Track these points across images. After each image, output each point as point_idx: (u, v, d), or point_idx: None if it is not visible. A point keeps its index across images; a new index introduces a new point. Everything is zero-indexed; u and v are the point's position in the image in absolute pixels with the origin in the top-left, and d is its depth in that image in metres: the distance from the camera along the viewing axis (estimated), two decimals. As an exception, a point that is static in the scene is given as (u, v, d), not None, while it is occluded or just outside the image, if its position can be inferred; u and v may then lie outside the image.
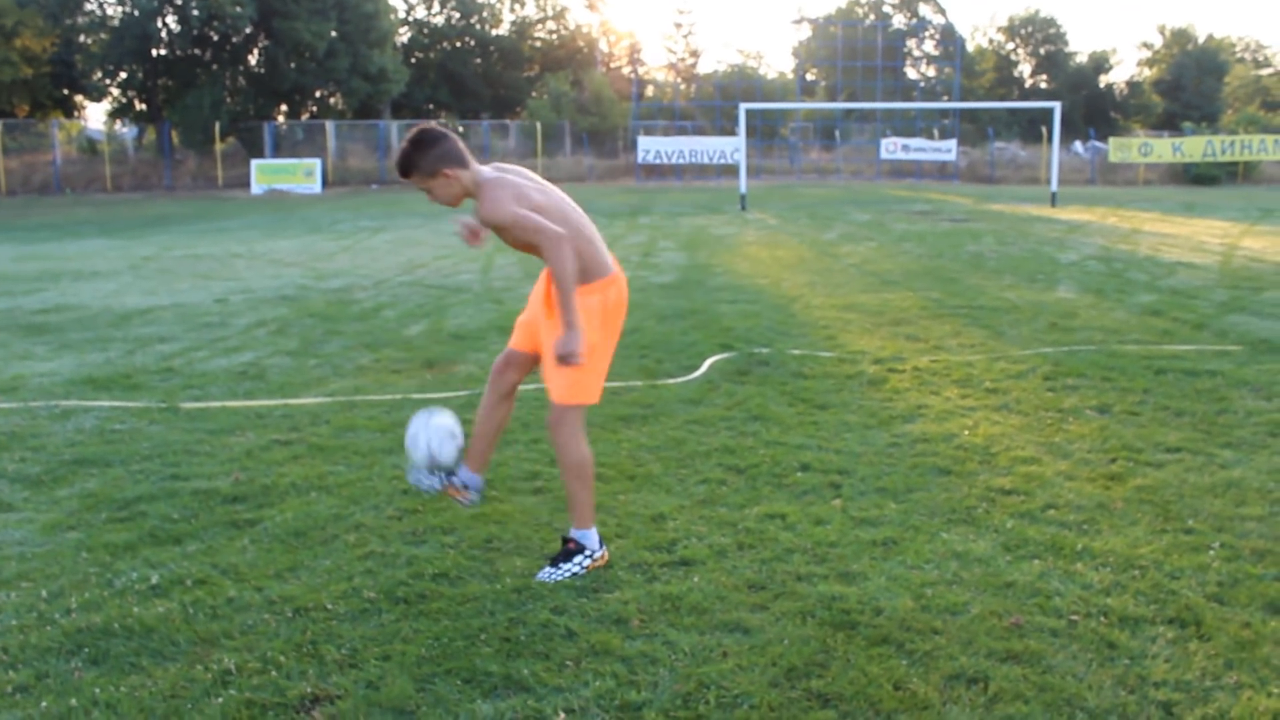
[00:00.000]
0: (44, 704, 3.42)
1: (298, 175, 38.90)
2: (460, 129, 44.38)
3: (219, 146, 42.17)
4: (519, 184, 4.29)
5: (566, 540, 4.38)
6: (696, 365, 8.16)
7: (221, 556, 4.53)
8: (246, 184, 39.33)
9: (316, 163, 39.47)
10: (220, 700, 3.41)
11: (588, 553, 4.34)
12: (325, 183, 39.79)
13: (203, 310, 11.14)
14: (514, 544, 4.63)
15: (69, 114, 48.88)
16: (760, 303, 11.45)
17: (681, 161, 42.73)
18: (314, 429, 6.40)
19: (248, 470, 5.65)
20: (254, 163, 39.60)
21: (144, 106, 46.12)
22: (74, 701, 3.42)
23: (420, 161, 4.21)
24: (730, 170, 41.42)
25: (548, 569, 4.30)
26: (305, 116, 47.65)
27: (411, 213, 24.83)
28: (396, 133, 45.84)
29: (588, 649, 3.71)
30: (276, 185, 38.45)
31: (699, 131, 48.31)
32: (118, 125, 48.83)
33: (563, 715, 3.31)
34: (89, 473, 5.72)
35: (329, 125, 44.16)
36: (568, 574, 4.27)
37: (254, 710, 3.35)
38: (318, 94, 47.26)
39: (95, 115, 52.01)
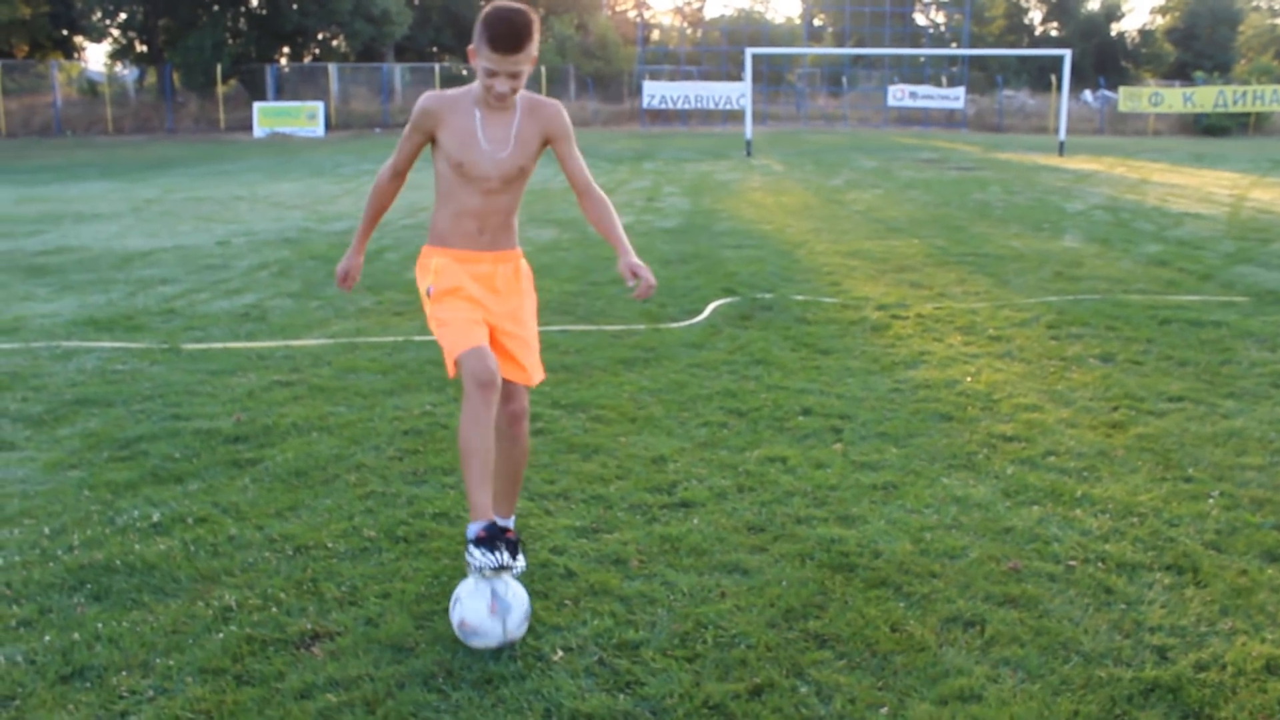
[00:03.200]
0: (47, 638, 3.44)
1: (300, 118, 38.65)
2: (464, 72, 43.97)
3: (221, 89, 41.86)
4: None
5: (504, 531, 3.61)
6: (699, 310, 8.15)
7: (223, 495, 4.54)
8: (249, 127, 39.09)
9: (319, 106, 39.19)
10: (221, 636, 3.43)
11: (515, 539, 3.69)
12: (328, 126, 39.53)
13: (205, 252, 11.12)
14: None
15: (69, 55, 48.50)
16: (764, 248, 11.40)
17: (687, 107, 42.41)
18: (315, 370, 6.40)
19: (249, 410, 5.65)
20: (256, 105, 39.33)
21: (144, 48, 45.72)
22: (76, 636, 3.45)
23: (535, 32, 3.55)
24: (736, 116, 41.14)
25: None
26: (308, 59, 47.26)
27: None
28: (400, 76, 45.51)
29: (586, 588, 3.73)
30: (279, 128, 38.21)
31: (705, 77, 47.91)
32: (118, 67, 48.42)
33: (560, 653, 3.33)
34: (90, 412, 5.73)
35: (332, 68, 43.79)
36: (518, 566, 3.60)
37: (254, 645, 3.38)
38: (320, 36, 46.84)
39: (95, 57, 51.63)
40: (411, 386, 6.01)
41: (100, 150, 30.70)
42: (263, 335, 7.33)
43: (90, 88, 45.65)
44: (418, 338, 7.18)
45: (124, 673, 3.25)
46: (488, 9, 3.53)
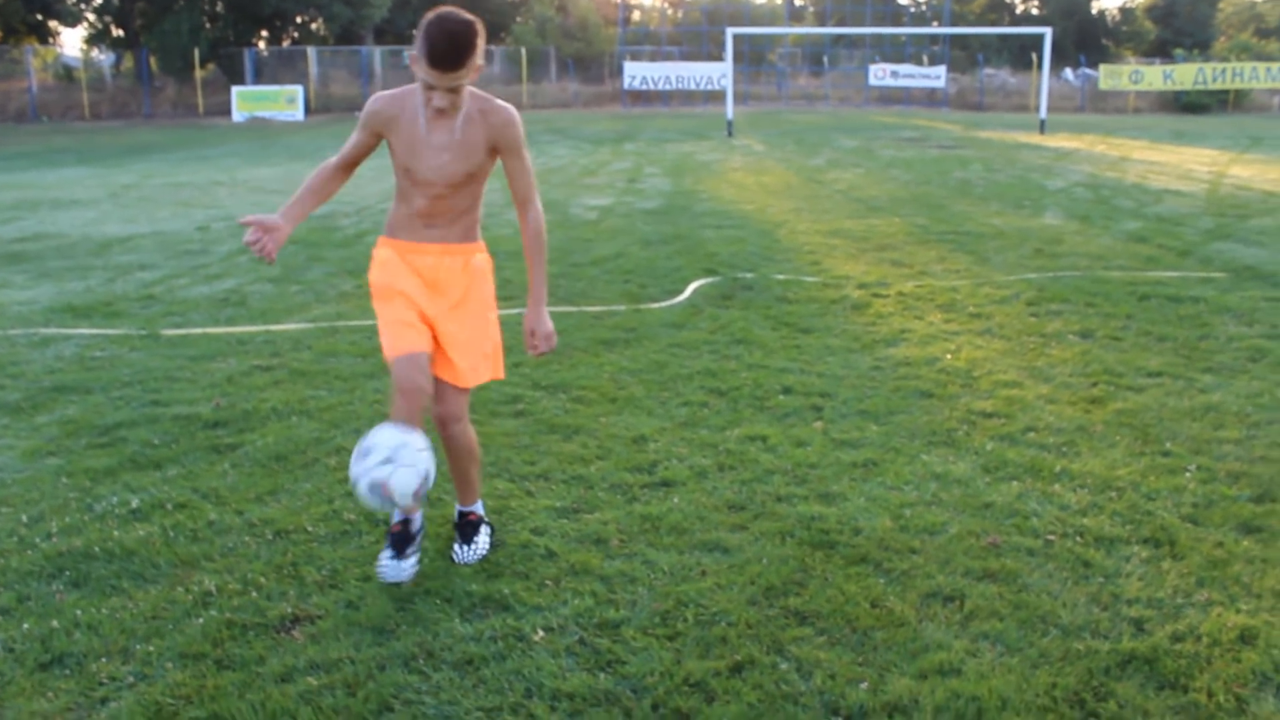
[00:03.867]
0: (25, 626, 3.43)
1: (279, 102, 38.40)
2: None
3: (199, 74, 41.55)
4: None
5: (467, 515, 3.95)
6: (680, 290, 8.14)
7: (202, 481, 4.53)
8: (227, 111, 38.83)
9: (298, 89, 38.94)
10: (201, 621, 3.42)
11: (487, 523, 3.98)
12: (308, 110, 39.30)
13: (184, 238, 11.05)
14: (495, 466, 4.64)
15: (43, 40, 48.03)
16: (745, 228, 11.40)
17: (668, 88, 42.31)
18: (295, 354, 6.38)
19: (229, 396, 5.63)
20: (235, 90, 39.06)
21: (121, 32, 45.33)
22: (55, 623, 3.44)
23: (476, 47, 3.40)
24: (717, 96, 41.08)
25: (463, 551, 3.85)
26: (286, 43, 46.93)
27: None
28: (380, 59, 45.25)
29: (567, 569, 3.74)
30: (258, 113, 37.97)
31: (686, 57, 47.78)
32: (94, 52, 48.02)
33: (541, 633, 3.33)
34: (69, 399, 5.70)
35: (310, 51, 43.51)
36: (486, 547, 3.89)
37: (234, 630, 3.37)
38: (299, 19, 46.51)
39: (71, 41, 51.16)
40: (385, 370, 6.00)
41: (77, 136, 30.45)
42: (243, 320, 7.30)
43: (66, 73, 45.26)
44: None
45: (103, 659, 3.24)
46: (429, 17, 3.37)
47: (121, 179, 17.67)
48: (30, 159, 22.81)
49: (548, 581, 3.65)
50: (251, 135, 29.33)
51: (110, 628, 3.41)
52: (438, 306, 3.68)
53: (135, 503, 4.33)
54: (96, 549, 3.93)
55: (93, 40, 47.28)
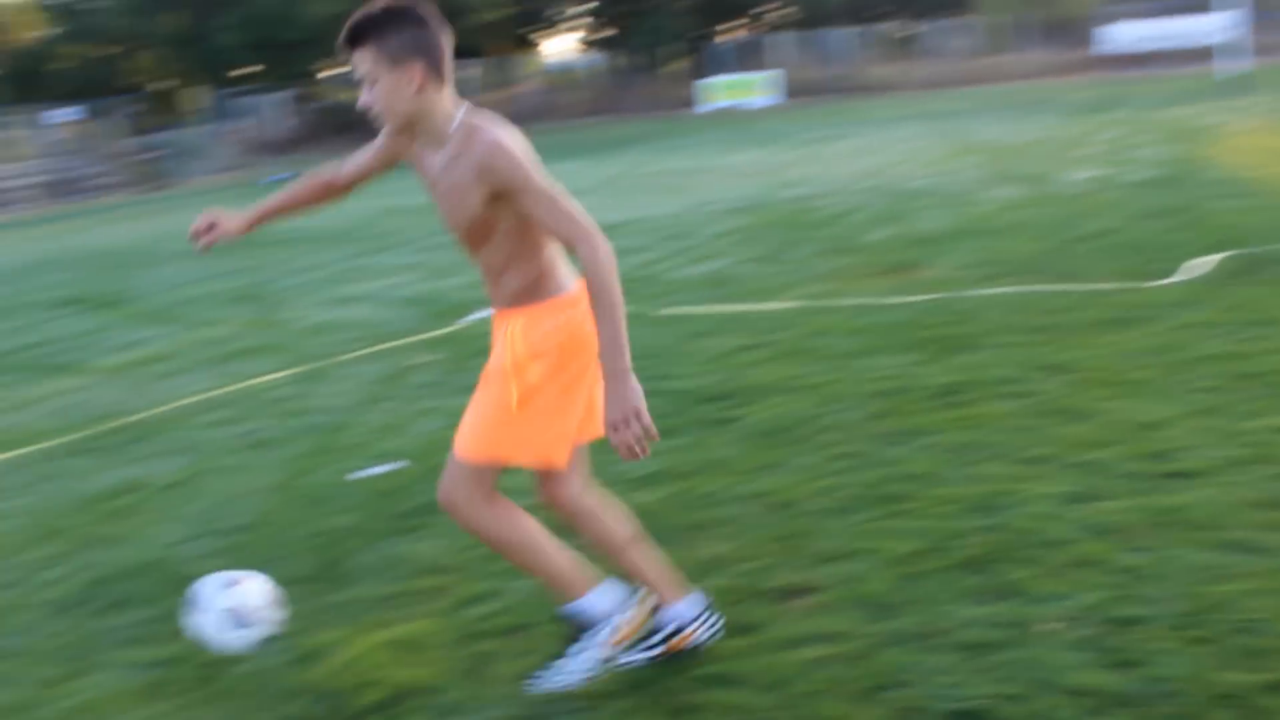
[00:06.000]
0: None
1: (748, 90, 39.61)
2: (922, 28, 43.00)
3: (670, 67, 43.81)
4: (525, 143, 2.89)
5: (562, 622, 3.17)
6: (1172, 269, 7.47)
7: (704, 451, 4.76)
8: (698, 102, 40.62)
9: (767, 76, 39.95)
10: (711, 584, 3.58)
11: (600, 627, 3.10)
12: (777, 96, 40.24)
13: (673, 221, 11.69)
14: (991, 449, 4.49)
15: (532, 49, 52.74)
16: (1260, 198, 10.26)
17: (1151, 48, 39.01)
18: (784, 333, 6.53)
19: (723, 372, 5.88)
20: (703, 81, 40.75)
21: (600, 35, 48.81)
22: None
23: (390, 34, 2.75)
24: (1206, 55, 37.32)
25: (557, 670, 3.12)
26: (752, 32, 48.26)
27: (864, 120, 24.58)
28: (847, 42, 45.37)
29: (1077, 558, 3.54)
30: (727, 102, 39.39)
31: (1168, 12, 43.78)
32: (578, 54, 52.11)
33: (1052, 624, 3.18)
34: (582, 371, 6.19)
35: (776, 38, 44.47)
36: (570, 675, 3.09)
37: (739, 596, 3.50)
38: (761, 8, 47.67)
39: (556, 48, 55.76)
40: (880, 348, 5.99)
41: (565, 134, 33.18)
42: (731, 299, 7.60)
43: (553, 77, 49.52)
44: (889, 299, 7.10)
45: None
46: None
47: (608, 170, 19.00)
48: (534, 155, 25.11)
49: (1057, 570, 3.48)
50: (723, 124, 30.47)
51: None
52: None
53: (645, 469, 4.62)
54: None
55: (581, 43, 51.36)
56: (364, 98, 2.81)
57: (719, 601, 3.46)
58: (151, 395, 7.05)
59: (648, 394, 5.68)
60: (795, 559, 3.71)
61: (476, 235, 2.91)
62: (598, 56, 50.38)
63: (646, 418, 2.83)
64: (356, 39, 2.76)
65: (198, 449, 5.77)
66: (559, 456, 3.05)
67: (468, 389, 5.99)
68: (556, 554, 3.09)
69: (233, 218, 3.17)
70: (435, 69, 2.80)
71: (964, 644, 3.12)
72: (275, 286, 11.00)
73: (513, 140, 2.83)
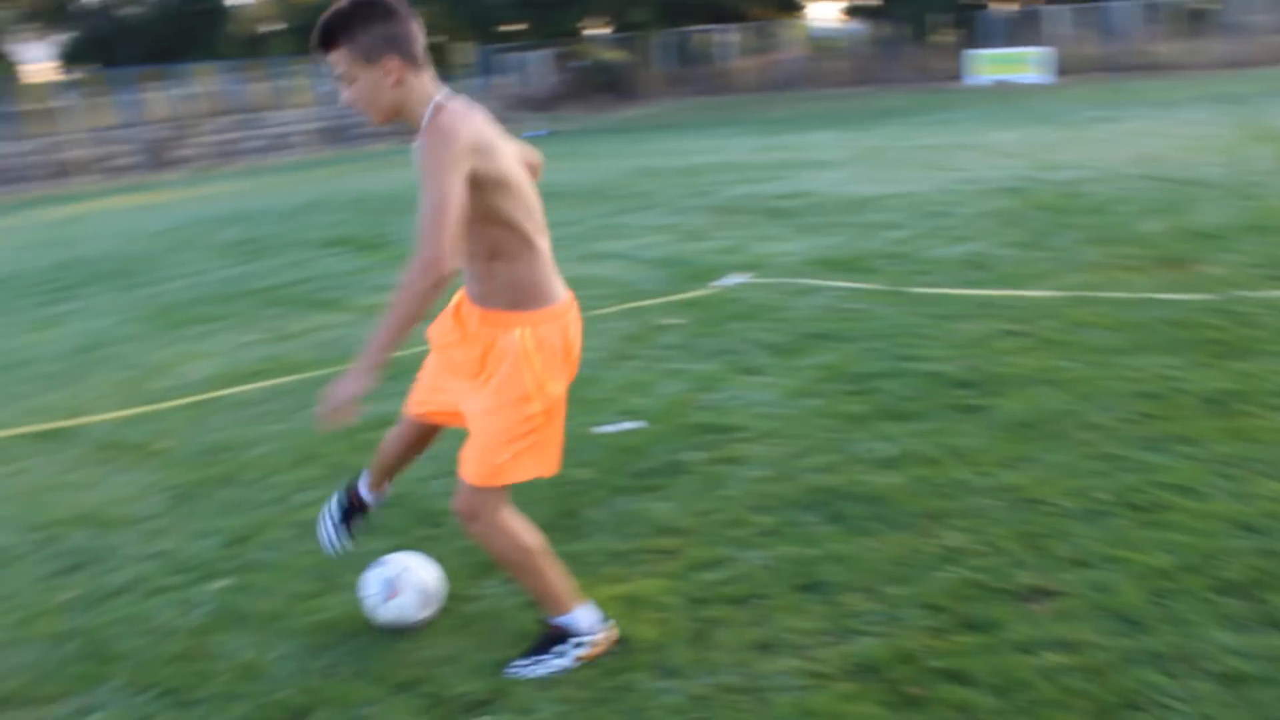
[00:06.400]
0: (788, 549, 3.75)
1: (1021, 65, 37.92)
2: (1219, 3, 40.02)
3: (938, 38, 42.39)
4: (487, 134, 2.87)
5: (545, 627, 3.25)
6: None
7: (949, 438, 4.61)
8: (966, 75, 39.21)
9: (1042, 51, 38.14)
10: (943, 575, 3.48)
11: (575, 640, 3.19)
12: (1051, 72, 38.39)
13: (928, 199, 11.35)
14: (1265, 465, 4.15)
15: (796, 14, 52.00)
16: None
17: None
18: (1043, 322, 6.24)
19: (975, 358, 5.67)
20: (973, 53, 39.26)
21: (864, 2, 47.64)
22: (812, 551, 3.71)
23: (360, 32, 2.77)
24: None
25: (519, 661, 3.21)
26: (1026, 3, 46.09)
27: (1145, 101, 23.12)
28: (1130, 17, 42.77)
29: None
30: (999, 76, 37.83)
31: None
32: (842, 22, 51.07)
33: (1327, 662, 2.93)
34: (826, 346, 6.12)
35: (1054, 10, 42.33)
36: (548, 668, 3.16)
37: (976, 590, 3.38)
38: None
39: (820, 14, 54.82)
40: (1148, 346, 5.63)
41: (827, 102, 32.69)
42: (988, 283, 7.31)
43: (816, 44, 48.74)
44: (1159, 295, 6.67)
45: (853, 593, 3.43)
46: None
47: (867, 142, 18.62)
48: (787, 124, 24.94)
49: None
50: (993, 99, 29.29)
51: (860, 565, 3.60)
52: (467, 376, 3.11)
53: (887, 450, 4.53)
54: (850, 489, 4.17)
55: (849, 11, 50.30)
56: (345, 96, 2.83)
57: (955, 593, 3.37)
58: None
59: (893, 373, 5.61)
60: (1039, 559, 3.55)
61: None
62: (861, 25, 49.34)
63: (351, 413, 2.83)
64: (328, 41, 2.78)
65: (450, 390, 6.02)
66: (556, 465, 3.15)
67: (715, 353, 6.11)
68: (553, 568, 3.19)
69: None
70: (410, 58, 2.81)
71: (1221, 673, 2.91)
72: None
73: (463, 128, 2.78)
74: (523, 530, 3.11)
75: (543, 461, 3.08)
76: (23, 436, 5.88)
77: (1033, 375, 5.31)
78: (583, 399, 5.56)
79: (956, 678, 2.95)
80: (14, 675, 3.37)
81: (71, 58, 45.18)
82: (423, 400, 3.34)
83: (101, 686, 3.24)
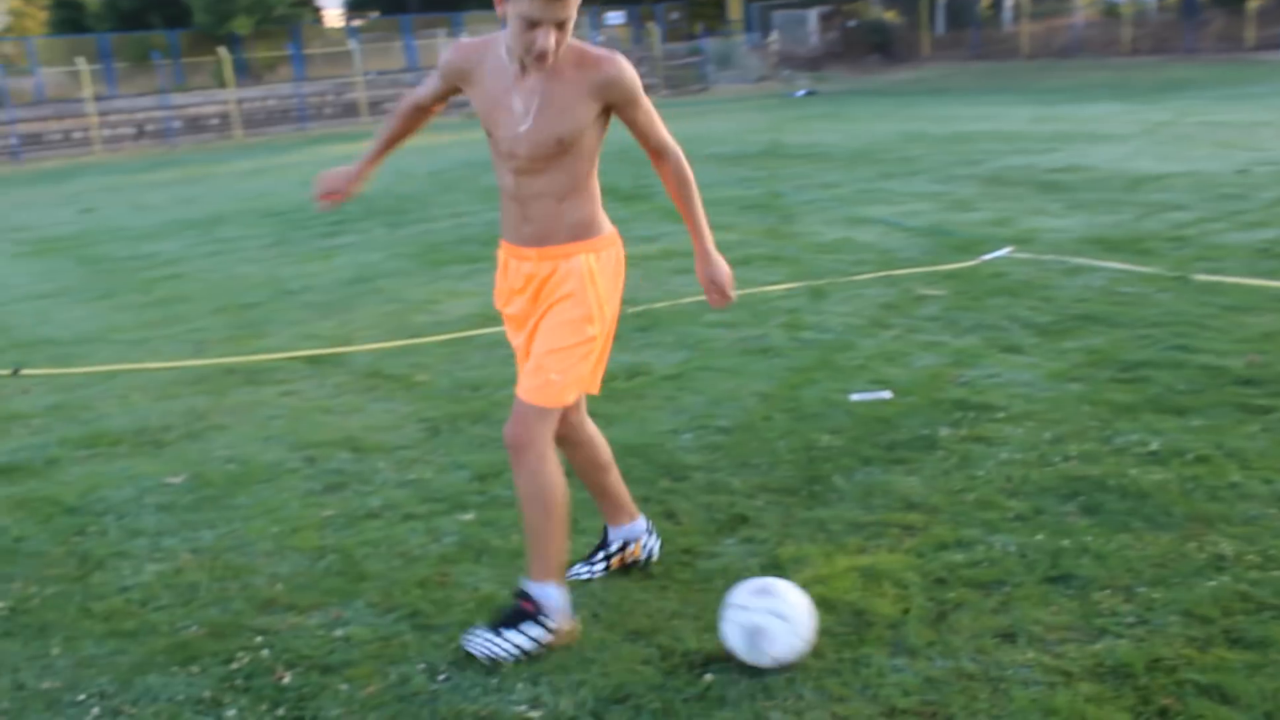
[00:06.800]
0: (1038, 537, 3.59)
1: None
2: None
3: (1251, 3, 39.14)
4: None
5: (519, 595, 3.14)
6: None
7: (1227, 438, 4.29)
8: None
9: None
10: (1212, 584, 3.25)
11: (542, 618, 3.07)
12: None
13: (1221, 180, 10.56)
14: None
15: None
16: None
17: None
18: (1344, 321, 5.72)
19: (1265, 354, 5.24)
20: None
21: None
22: (1065, 542, 3.54)
23: None
24: None
25: (483, 635, 3.08)
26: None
27: None
28: None
29: None
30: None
31: None
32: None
33: None
34: (1095, 330, 5.80)
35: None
36: (507, 649, 3.04)
37: (1247, 604, 3.15)
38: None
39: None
40: None
41: (1114, 71, 30.79)
42: (1287, 274, 6.76)
43: (1109, 9, 45.88)
44: None
45: (1106, 591, 3.25)
46: None
47: (1156, 115, 17.47)
48: (1068, 93, 23.68)
49: None
50: (1304, 75, 26.91)
51: (1116, 562, 3.40)
52: (534, 321, 3.17)
53: (1154, 445, 4.26)
54: (1111, 482, 3.95)
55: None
56: (548, 41, 2.83)
57: (1222, 604, 3.14)
58: (663, 288, 7.48)
59: (1167, 363, 5.27)
60: (1328, 579, 3.26)
61: (557, 154, 2.97)
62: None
63: (732, 287, 3.25)
64: None
65: (700, 346, 6.06)
66: (599, 383, 3.26)
67: (974, 328, 5.92)
68: (565, 531, 3.15)
69: (344, 178, 3.37)
70: None
71: None
72: (790, 200, 11.23)
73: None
74: (562, 479, 3.10)
75: (589, 381, 3.18)
76: (295, 360, 6.31)
77: (1333, 378, 4.87)
78: (836, 365, 5.50)
79: (1217, 695, 2.75)
80: (277, 581, 3.63)
81: (359, 4, 47.78)
82: None
83: (354, 602, 3.45)
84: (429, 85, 3.20)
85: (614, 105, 3.00)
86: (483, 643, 3.05)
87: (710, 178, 13.33)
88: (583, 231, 3.10)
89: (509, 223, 3.12)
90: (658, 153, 3.17)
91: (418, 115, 3.30)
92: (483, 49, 3.03)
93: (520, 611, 3.07)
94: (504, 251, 3.19)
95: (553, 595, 3.10)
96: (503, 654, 3.03)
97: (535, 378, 3.04)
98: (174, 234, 11.90)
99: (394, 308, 7.51)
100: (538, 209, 3.04)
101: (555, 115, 2.93)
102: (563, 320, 3.05)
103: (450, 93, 3.18)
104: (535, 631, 3.06)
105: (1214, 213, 8.91)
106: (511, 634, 3.05)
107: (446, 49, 3.18)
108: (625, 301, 7.26)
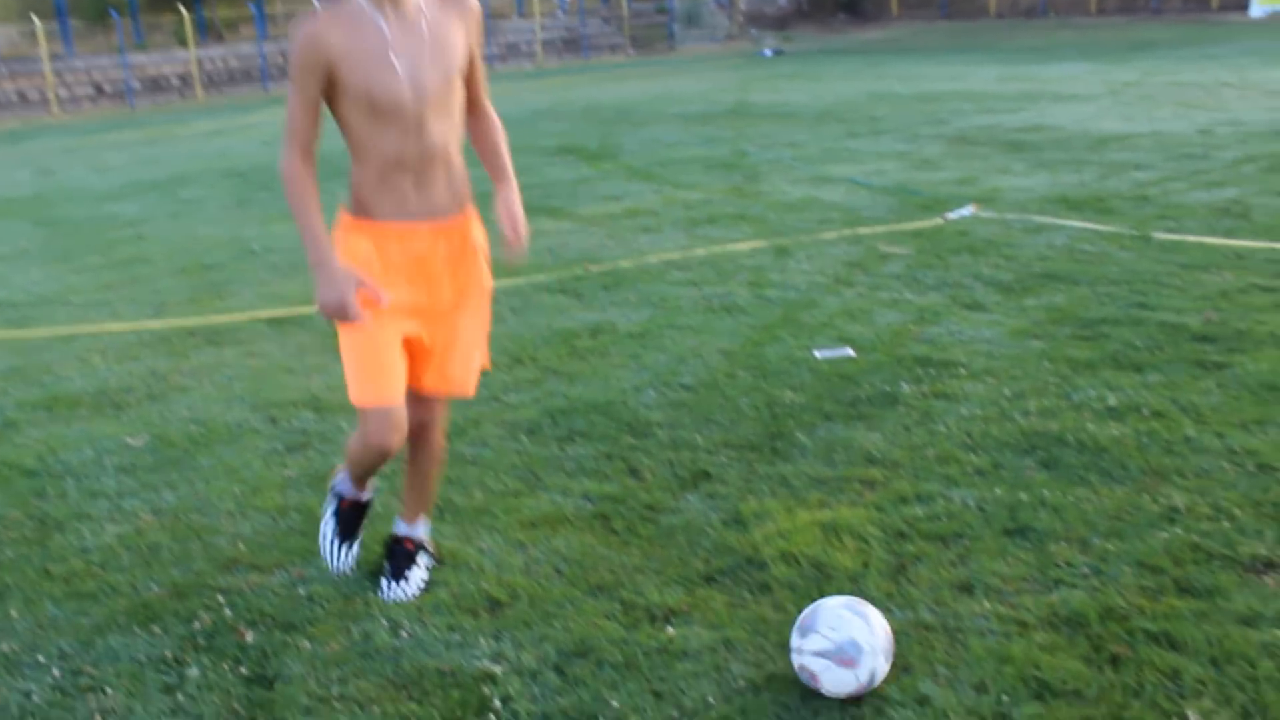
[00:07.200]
0: (997, 491, 3.63)
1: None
2: None
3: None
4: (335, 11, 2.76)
5: (404, 540, 3.32)
6: None
7: (1182, 393, 4.34)
8: (1244, 6, 36.24)
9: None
10: (1164, 535, 3.31)
11: (424, 550, 3.35)
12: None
13: (1183, 140, 10.63)
14: None
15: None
16: None
17: None
18: (1302, 279, 5.79)
19: (1221, 311, 5.31)
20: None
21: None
22: (1023, 496, 3.58)
23: None
24: None
25: (392, 584, 3.23)
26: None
27: None
28: None
29: None
30: None
31: None
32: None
33: None
34: (1056, 287, 5.85)
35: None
36: (417, 583, 3.25)
37: (1198, 555, 3.20)
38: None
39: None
40: None
41: (1080, 31, 30.86)
42: (1243, 233, 6.81)
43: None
44: None
45: (1062, 543, 3.30)
46: None
47: (1122, 75, 17.53)
48: (1035, 53, 23.72)
49: None
50: (1272, 32, 27.03)
51: (1072, 515, 3.45)
52: (437, 306, 2.99)
53: (1112, 400, 4.31)
54: (1069, 437, 4.00)
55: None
56: None
57: (1174, 555, 3.19)
58: (628, 246, 7.47)
59: (1127, 320, 5.32)
60: (1270, 530, 3.32)
61: (448, 96, 2.84)
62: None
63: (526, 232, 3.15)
64: None
65: (664, 304, 6.06)
66: None
67: (937, 286, 5.95)
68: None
69: (347, 278, 2.86)
70: None
71: None
72: (756, 159, 11.21)
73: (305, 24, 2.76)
74: None
75: (486, 355, 3.26)
76: (258, 321, 6.26)
77: (1284, 334, 4.94)
78: (799, 323, 5.53)
79: (1167, 642, 2.80)
80: (239, 541, 3.62)
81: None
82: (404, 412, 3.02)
83: (317, 560, 3.44)
84: (300, 117, 2.78)
85: (470, 42, 2.91)
86: (401, 589, 3.21)
87: (676, 137, 13.29)
88: (467, 194, 2.99)
89: (393, 198, 2.84)
90: (481, 106, 3.06)
91: (311, 165, 2.87)
92: (329, 22, 2.73)
93: (412, 552, 3.30)
94: (371, 234, 2.89)
95: (425, 527, 3.38)
96: (420, 587, 3.24)
97: (466, 370, 3.13)
98: (134, 195, 11.75)
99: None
100: (431, 174, 2.86)
101: (438, 51, 2.81)
102: (482, 305, 3.10)
103: (321, 95, 2.77)
104: (426, 561, 3.32)
105: (1176, 172, 8.98)
106: (416, 573, 3.26)
107: (294, 46, 2.73)
108: (589, 259, 7.30)
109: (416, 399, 3.06)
